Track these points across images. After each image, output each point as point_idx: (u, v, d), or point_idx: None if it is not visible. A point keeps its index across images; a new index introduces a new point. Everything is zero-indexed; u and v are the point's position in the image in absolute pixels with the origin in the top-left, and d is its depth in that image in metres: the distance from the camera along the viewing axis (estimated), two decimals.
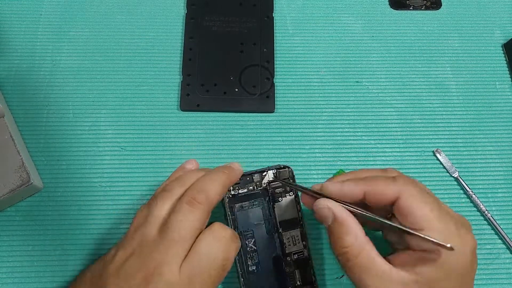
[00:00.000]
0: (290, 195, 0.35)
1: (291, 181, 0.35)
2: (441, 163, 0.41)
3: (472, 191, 0.39)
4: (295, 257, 0.34)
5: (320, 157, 0.41)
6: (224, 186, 0.31)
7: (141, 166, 0.39)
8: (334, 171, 0.40)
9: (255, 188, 0.35)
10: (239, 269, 0.33)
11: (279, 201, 0.35)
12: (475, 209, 0.39)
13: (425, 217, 0.26)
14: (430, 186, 0.40)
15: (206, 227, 0.29)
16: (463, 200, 0.40)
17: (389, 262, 0.27)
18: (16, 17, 0.44)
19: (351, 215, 0.28)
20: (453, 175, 0.40)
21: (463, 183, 0.40)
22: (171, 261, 0.26)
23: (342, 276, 0.37)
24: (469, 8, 0.48)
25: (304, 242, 0.35)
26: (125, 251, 0.28)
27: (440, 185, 0.40)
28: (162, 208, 0.29)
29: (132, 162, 0.39)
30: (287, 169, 0.36)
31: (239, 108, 0.42)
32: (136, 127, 0.41)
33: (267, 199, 0.35)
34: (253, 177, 0.35)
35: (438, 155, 0.41)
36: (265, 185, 0.35)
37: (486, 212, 0.39)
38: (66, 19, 0.45)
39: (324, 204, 0.28)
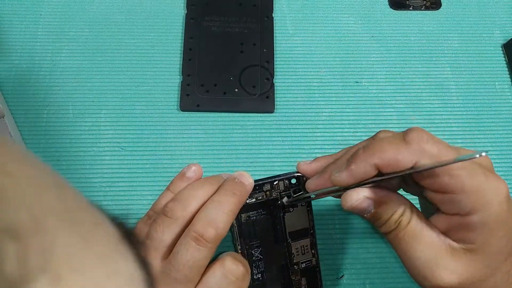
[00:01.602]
0: (302, 205, 0.33)
1: (304, 190, 0.32)
2: None
3: None
4: (302, 266, 0.33)
5: None
6: (235, 212, 0.27)
7: (141, 166, 0.39)
8: None
9: (265, 197, 0.32)
10: None
11: (290, 211, 0.33)
12: None
13: (469, 185, 0.22)
14: None
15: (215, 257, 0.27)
16: None
17: (435, 225, 0.24)
18: (16, 17, 0.44)
19: (385, 190, 0.25)
20: None
21: None
22: None
23: (343, 276, 0.37)
24: (469, 8, 0.48)
25: (313, 251, 0.33)
26: None
27: None
28: (164, 235, 0.26)
29: (132, 162, 0.39)
30: (300, 178, 0.32)
31: (239, 108, 0.42)
32: (136, 127, 0.41)
33: (277, 209, 0.33)
34: (263, 187, 0.32)
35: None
36: (275, 195, 0.32)
37: None
38: (66, 19, 0.45)
39: (358, 197, 0.25)
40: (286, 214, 0.33)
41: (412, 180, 0.25)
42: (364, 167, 0.24)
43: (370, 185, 0.25)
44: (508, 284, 0.24)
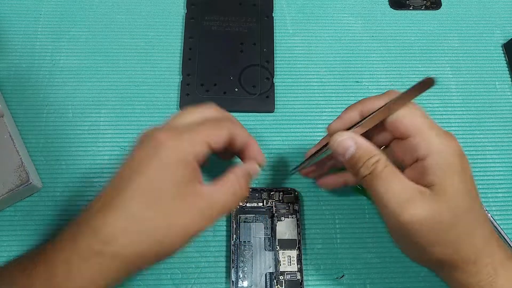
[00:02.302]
0: (292, 217, 0.37)
1: (296, 203, 0.37)
2: None
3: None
4: (288, 277, 0.35)
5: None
6: (227, 135, 0.29)
7: None
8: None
9: (262, 205, 0.37)
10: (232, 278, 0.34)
11: (282, 220, 0.37)
12: None
13: (413, 125, 0.28)
14: None
15: None
16: None
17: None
18: (16, 16, 0.44)
19: (365, 139, 0.29)
20: None
21: None
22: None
23: (343, 276, 0.37)
24: (469, 8, 0.48)
25: (299, 266, 0.35)
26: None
27: None
28: (179, 118, 0.29)
29: None
30: (293, 192, 0.38)
31: (239, 108, 0.42)
32: (136, 126, 0.41)
33: (270, 217, 0.37)
34: (262, 194, 0.37)
35: None
36: (271, 203, 0.37)
37: (486, 212, 0.39)
38: (66, 18, 0.45)
39: (344, 135, 0.29)
40: (278, 222, 0.37)
41: (383, 130, 0.30)
42: (350, 113, 0.30)
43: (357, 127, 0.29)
44: (471, 237, 0.27)
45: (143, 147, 0.27)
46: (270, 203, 0.37)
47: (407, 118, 0.28)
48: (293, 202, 0.37)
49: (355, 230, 0.38)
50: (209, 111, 0.30)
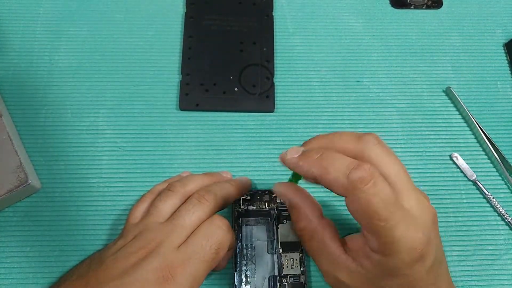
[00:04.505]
0: None
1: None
2: (458, 167, 0.40)
3: (491, 194, 0.39)
4: (291, 281, 0.34)
5: None
6: (230, 195, 0.33)
7: (140, 166, 0.39)
8: None
9: (264, 207, 0.37)
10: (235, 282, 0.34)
11: (284, 223, 0.36)
12: (495, 213, 0.39)
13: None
14: (436, 188, 0.40)
15: None
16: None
17: (347, 244, 0.28)
18: (14, 16, 0.44)
19: (306, 197, 0.30)
20: (471, 178, 0.40)
21: (481, 186, 0.39)
22: (172, 241, 0.29)
23: None
24: (470, 7, 0.48)
25: (302, 268, 0.35)
26: (125, 239, 0.30)
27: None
28: (166, 204, 0.32)
29: (131, 162, 0.39)
30: None
31: (238, 107, 0.41)
32: (135, 126, 0.41)
33: (272, 219, 0.36)
34: (263, 197, 0.37)
35: (455, 159, 0.40)
36: (273, 205, 0.37)
37: (505, 215, 0.38)
38: (64, 18, 0.44)
39: (277, 189, 0.31)
40: (280, 224, 0.36)
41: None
42: (311, 145, 0.28)
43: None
44: None
45: (143, 268, 0.28)
46: (272, 205, 0.37)
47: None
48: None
49: (355, 230, 0.38)
50: (203, 209, 0.31)
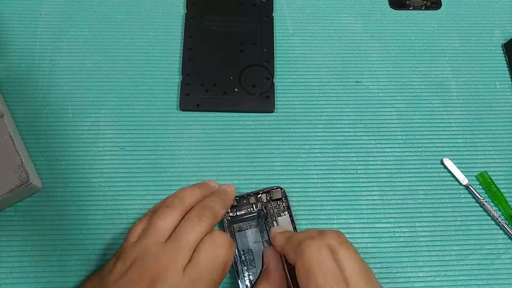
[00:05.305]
0: (284, 215, 0.37)
1: (285, 199, 0.37)
2: (449, 171, 0.40)
3: (483, 199, 0.39)
4: None
5: (320, 157, 0.41)
6: (225, 207, 0.35)
7: (140, 166, 0.39)
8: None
9: (252, 210, 0.37)
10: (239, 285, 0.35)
11: (275, 220, 0.36)
12: (488, 217, 0.39)
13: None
14: (432, 190, 0.40)
15: None
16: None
17: None
18: (15, 16, 0.44)
19: (279, 270, 0.33)
20: (463, 183, 0.40)
21: (473, 191, 0.39)
22: (177, 265, 0.28)
23: None
24: (469, 8, 0.48)
25: None
26: (124, 263, 0.29)
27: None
28: (166, 221, 0.31)
29: (132, 162, 0.39)
30: (279, 189, 0.37)
31: (238, 108, 0.42)
32: (136, 127, 0.41)
33: (263, 219, 0.37)
34: (249, 200, 0.37)
35: (446, 163, 0.40)
36: (260, 206, 0.37)
37: (499, 219, 0.38)
38: (66, 18, 0.45)
39: (265, 251, 0.34)
40: (273, 222, 0.36)
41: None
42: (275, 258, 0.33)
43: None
44: None
45: None
46: (259, 206, 0.37)
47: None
48: (281, 199, 0.37)
49: (354, 230, 0.38)
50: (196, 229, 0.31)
